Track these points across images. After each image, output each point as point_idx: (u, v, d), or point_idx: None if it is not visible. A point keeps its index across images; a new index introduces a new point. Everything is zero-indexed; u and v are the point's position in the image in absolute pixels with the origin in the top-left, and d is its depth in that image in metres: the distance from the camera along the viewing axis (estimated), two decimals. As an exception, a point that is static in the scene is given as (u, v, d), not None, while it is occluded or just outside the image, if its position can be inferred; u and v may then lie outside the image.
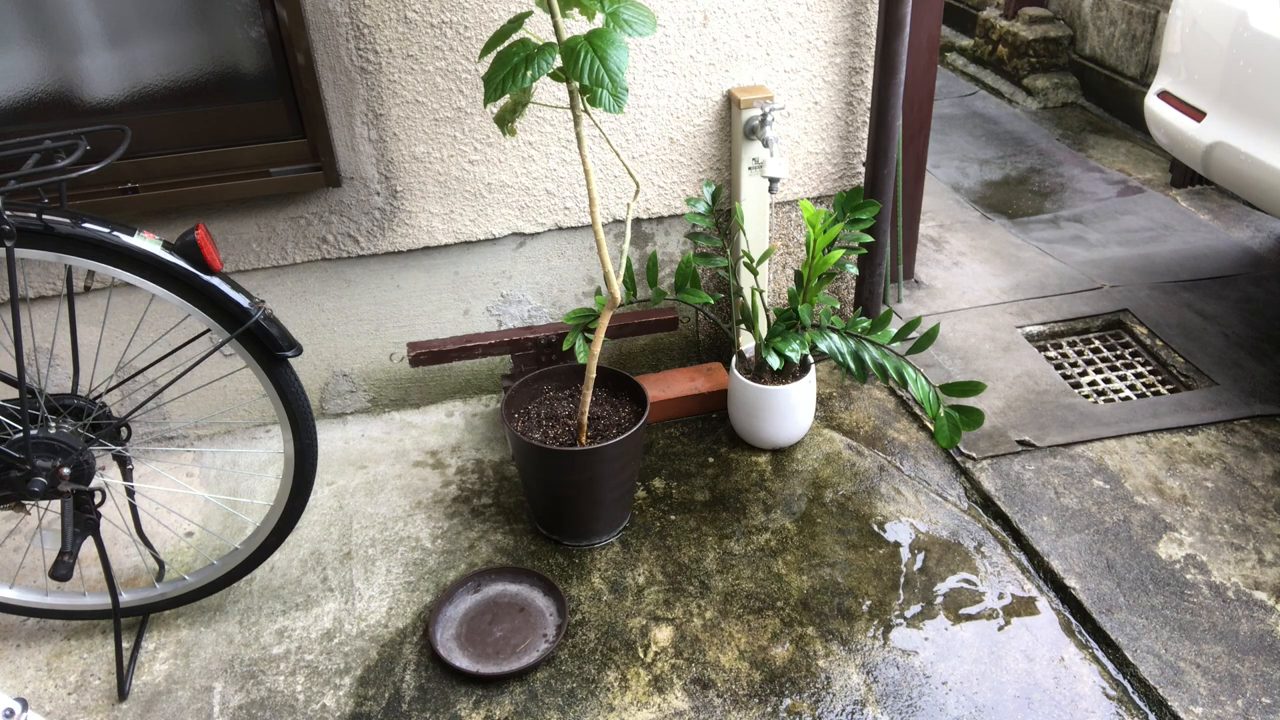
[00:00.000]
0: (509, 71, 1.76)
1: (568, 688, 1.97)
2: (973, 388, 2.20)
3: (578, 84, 1.78)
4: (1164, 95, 3.04)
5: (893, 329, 2.36)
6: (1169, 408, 2.67)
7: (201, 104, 2.30)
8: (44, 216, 1.69)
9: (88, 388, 2.32)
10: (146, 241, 1.75)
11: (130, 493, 2.14)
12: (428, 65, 2.36)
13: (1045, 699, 1.92)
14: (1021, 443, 2.56)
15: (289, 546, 2.35)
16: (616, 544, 2.32)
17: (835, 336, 2.38)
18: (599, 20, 1.79)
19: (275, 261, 2.51)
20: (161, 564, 2.26)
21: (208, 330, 1.85)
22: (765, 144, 2.42)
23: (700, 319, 2.91)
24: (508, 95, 1.86)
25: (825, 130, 2.70)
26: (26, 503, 1.88)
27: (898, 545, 2.29)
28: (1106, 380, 2.84)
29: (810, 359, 2.60)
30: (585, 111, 1.90)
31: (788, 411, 2.51)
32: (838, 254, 2.31)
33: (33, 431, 1.79)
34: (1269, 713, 1.86)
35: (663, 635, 2.08)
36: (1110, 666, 2.00)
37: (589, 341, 2.40)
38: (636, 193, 2.03)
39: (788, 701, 1.93)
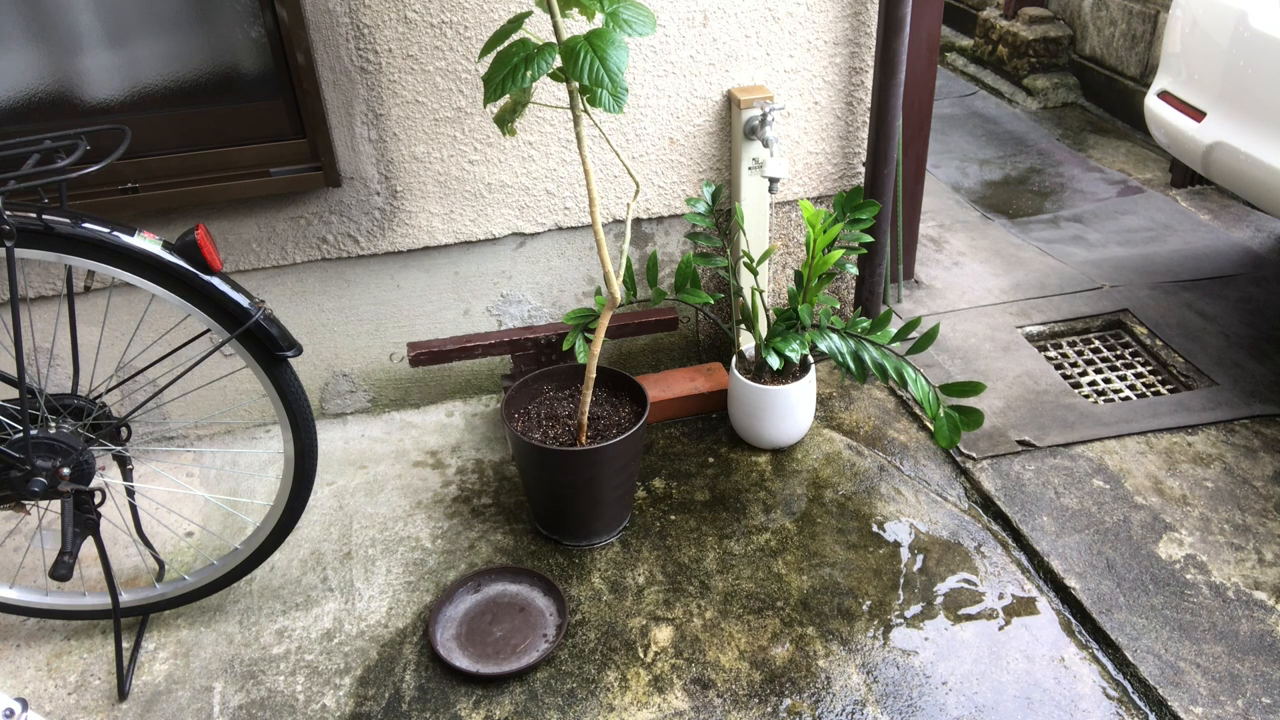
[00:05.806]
0: (509, 71, 1.76)
1: (568, 688, 1.97)
2: (972, 388, 2.20)
3: (577, 84, 1.78)
4: (1164, 95, 3.04)
5: (893, 329, 2.36)
6: (1169, 408, 2.67)
7: (201, 104, 2.30)
8: (44, 216, 1.69)
9: (88, 388, 2.33)
10: (146, 241, 1.75)
11: (130, 493, 2.15)
12: (428, 65, 2.36)
13: (1045, 699, 1.92)
14: (1021, 443, 2.56)
15: (289, 546, 2.35)
16: (616, 544, 2.32)
17: (835, 336, 2.38)
18: (599, 20, 1.79)
19: (275, 261, 2.51)
20: (161, 564, 2.26)
21: (208, 330, 1.85)
22: (765, 144, 2.42)
23: (700, 319, 2.91)
24: (507, 95, 1.86)
25: (825, 130, 2.70)
26: (26, 503, 1.88)
27: (898, 545, 2.29)
28: (1106, 380, 2.84)
29: (810, 359, 2.60)
30: (585, 111, 1.90)
31: (788, 411, 2.51)
32: (838, 254, 2.32)
33: (33, 431, 1.79)
34: (1269, 713, 1.86)
35: (663, 635, 2.08)
36: (1110, 666, 2.00)
37: (589, 341, 2.40)
38: (636, 193, 2.03)
39: (788, 701, 1.93)
